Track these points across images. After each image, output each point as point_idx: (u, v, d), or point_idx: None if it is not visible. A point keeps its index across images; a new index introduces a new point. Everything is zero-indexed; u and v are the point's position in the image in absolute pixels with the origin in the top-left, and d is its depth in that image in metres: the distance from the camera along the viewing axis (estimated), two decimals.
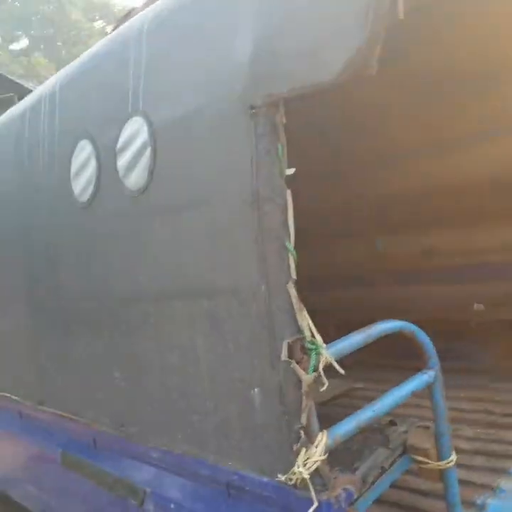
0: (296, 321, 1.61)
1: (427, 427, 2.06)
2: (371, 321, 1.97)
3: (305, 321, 1.62)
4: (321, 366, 1.61)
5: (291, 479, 1.63)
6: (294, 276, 1.62)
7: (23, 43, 35.35)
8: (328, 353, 1.63)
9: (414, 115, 3.83)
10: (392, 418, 2.16)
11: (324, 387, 1.60)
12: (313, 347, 1.62)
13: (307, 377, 1.59)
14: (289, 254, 1.62)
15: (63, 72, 2.73)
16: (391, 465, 1.99)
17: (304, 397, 1.60)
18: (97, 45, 2.53)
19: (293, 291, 1.61)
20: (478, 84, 3.46)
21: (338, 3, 1.47)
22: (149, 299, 2.13)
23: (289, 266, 1.62)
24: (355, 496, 1.66)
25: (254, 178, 1.64)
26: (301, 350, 1.62)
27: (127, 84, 2.16)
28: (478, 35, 3.13)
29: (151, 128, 2.05)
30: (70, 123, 2.57)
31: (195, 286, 1.91)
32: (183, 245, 1.94)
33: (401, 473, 2.05)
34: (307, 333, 1.62)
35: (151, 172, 2.05)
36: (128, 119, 2.15)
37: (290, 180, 1.63)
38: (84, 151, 2.44)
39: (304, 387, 1.59)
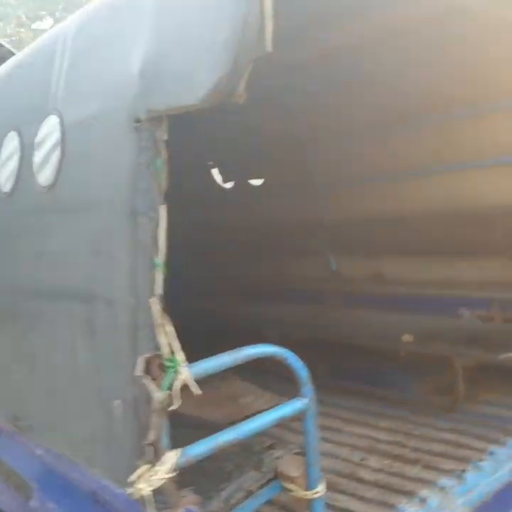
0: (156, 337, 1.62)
1: (303, 455, 2.05)
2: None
3: (166, 338, 1.62)
4: (177, 385, 1.61)
5: (134, 494, 1.63)
6: (159, 291, 1.62)
7: (47, 23, 35.43)
8: (188, 372, 1.63)
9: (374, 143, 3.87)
10: (274, 441, 2.16)
11: (175, 406, 1.60)
12: (171, 365, 1.61)
13: (158, 395, 1.58)
14: (156, 269, 1.62)
15: (3, 66, 2.79)
16: (260, 488, 1.99)
17: (153, 414, 1.59)
18: (35, 42, 2.58)
19: (156, 307, 1.61)
20: (433, 119, 3.49)
21: (212, 31, 1.49)
22: (44, 296, 2.14)
23: (154, 281, 1.62)
24: None
25: (133, 190, 1.65)
26: (158, 367, 1.62)
27: (50, 82, 2.19)
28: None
29: (63, 127, 2.07)
30: (2, 113, 2.60)
31: (78, 289, 1.93)
32: (74, 247, 1.95)
33: (271, 497, 2.05)
34: (165, 350, 1.61)
35: (59, 171, 2.06)
36: (47, 116, 2.19)
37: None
38: (12, 142, 2.47)
39: (155, 404, 1.59)
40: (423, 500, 2.47)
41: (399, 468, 2.83)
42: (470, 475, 2.62)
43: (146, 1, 1.80)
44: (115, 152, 1.75)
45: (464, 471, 2.65)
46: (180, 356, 1.63)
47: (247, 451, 2.11)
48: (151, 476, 1.60)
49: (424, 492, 2.53)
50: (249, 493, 1.97)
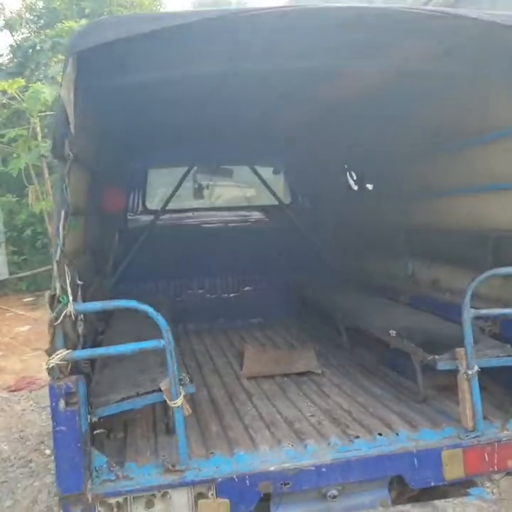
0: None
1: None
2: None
3: (61, 282, 2.83)
4: (65, 312, 2.82)
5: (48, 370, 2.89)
6: (57, 257, 2.82)
7: None
8: (72, 307, 2.83)
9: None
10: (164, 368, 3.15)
11: (58, 321, 2.79)
12: (62, 301, 2.84)
13: (52, 316, 2.82)
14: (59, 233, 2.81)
15: None
16: (147, 394, 3.07)
17: (50, 328, 2.83)
18: None
19: (54, 265, 2.82)
20: None
21: None
22: None
23: (60, 244, 2.81)
24: (73, 390, 2.81)
25: None
26: (57, 301, 2.85)
27: None
28: None
29: None
30: None
31: None
32: None
33: (157, 401, 3.09)
34: (59, 291, 2.83)
35: None
36: None
37: None
38: None
39: (51, 322, 2.82)
40: (305, 446, 3.22)
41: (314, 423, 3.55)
42: (358, 441, 3.24)
43: None
44: None
45: (357, 437, 3.28)
46: (69, 298, 2.83)
47: (146, 373, 3.21)
48: (51, 360, 2.84)
49: (310, 441, 3.26)
50: (140, 395, 3.08)
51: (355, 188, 6.23)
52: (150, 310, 2.90)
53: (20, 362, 9.18)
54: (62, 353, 2.83)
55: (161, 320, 2.91)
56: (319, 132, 5.91)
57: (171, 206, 6.65)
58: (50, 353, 2.84)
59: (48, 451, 5.85)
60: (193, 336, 5.96)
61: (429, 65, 3.45)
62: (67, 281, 2.86)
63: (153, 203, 6.84)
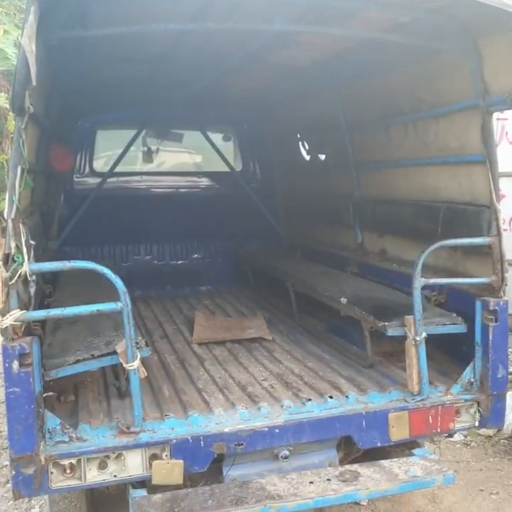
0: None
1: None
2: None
3: (16, 242, 2.74)
4: (20, 271, 2.74)
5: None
6: (12, 215, 2.73)
7: None
8: (27, 267, 2.75)
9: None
10: (120, 332, 3.12)
11: (6, 276, 2.70)
12: (17, 260, 2.74)
13: (6, 275, 2.73)
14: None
15: None
16: (103, 356, 3.04)
17: (4, 287, 2.75)
18: None
19: (9, 223, 2.73)
20: None
21: None
22: None
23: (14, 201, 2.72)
24: (27, 351, 2.74)
25: None
26: (11, 260, 2.76)
27: None
28: None
29: None
30: None
31: None
32: None
33: (112, 363, 3.07)
34: (13, 250, 2.74)
35: None
36: None
37: None
38: None
39: (6, 278, 2.74)
40: (258, 409, 3.28)
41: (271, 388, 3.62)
42: (309, 403, 3.33)
43: None
44: None
45: (309, 399, 3.36)
46: (24, 257, 2.74)
47: (100, 336, 3.18)
48: (5, 320, 2.76)
49: (263, 404, 3.32)
50: (95, 358, 3.05)
51: (307, 157, 6.26)
52: (108, 272, 2.86)
53: None
54: (17, 313, 2.75)
55: (119, 282, 2.87)
56: (273, 99, 5.90)
57: (119, 169, 6.49)
58: (3, 313, 2.76)
59: None
60: (141, 303, 5.89)
61: (387, 35, 3.49)
62: (22, 240, 2.77)
63: (101, 166, 6.66)
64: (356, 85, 4.69)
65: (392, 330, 3.54)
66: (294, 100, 5.74)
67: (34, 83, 2.38)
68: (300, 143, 6.36)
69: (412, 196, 4.39)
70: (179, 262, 6.74)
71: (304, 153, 6.28)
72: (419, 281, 3.38)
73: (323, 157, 5.97)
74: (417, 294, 3.37)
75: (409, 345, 3.46)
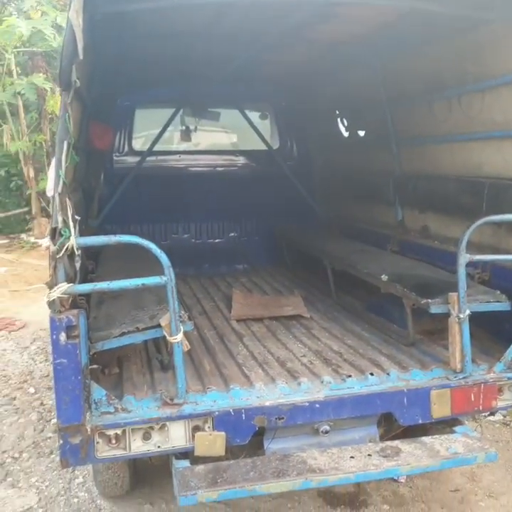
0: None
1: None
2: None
3: (63, 216, 2.79)
4: (67, 245, 2.78)
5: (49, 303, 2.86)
6: (59, 189, 2.77)
7: None
8: (74, 240, 2.79)
9: None
10: (164, 305, 3.15)
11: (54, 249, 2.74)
12: (64, 234, 2.79)
13: (53, 248, 2.78)
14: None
15: None
16: (147, 329, 3.09)
17: (52, 260, 2.80)
18: None
19: (56, 197, 2.77)
20: None
21: None
22: None
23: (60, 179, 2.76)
24: (74, 323, 2.80)
25: None
26: (59, 234, 2.81)
27: None
28: None
29: None
30: None
31: None
32: None
33: (156, 336, 3.12)
34: (61, 224, 2.78)
35: None
36: None
37: None
38: None
39: (53, 253, 2.79)
40: (299, 384, 3.29)
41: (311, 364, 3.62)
42: (350, 380, 3.33)
43: None
44: None
45: (349, 376, 3.36)
46: (71, 231, 2.79)
47: (144, 310, 3.22)
48: (52, 293, 2.81)
49: (303, 379, 3.33)
50: (140, 330, 3.09)
51: (346, 134, 6.18)
52: (153, 246, 2.88)
53: None
54: (64, 286, 2.80)
55: (163, 257, 2.89)
56: (311, 76, 5.83)
57: (157, 148, 6.53)
58: (51, 286, 2.81)
59: (31, 390, 5.88)
60: (179, 281, 5.91)
61: (431, 5, 3.40)
62: (69, 215, 2.81)
63: (139, 145, 6.70)
64: (398, 59, 4.60)
65: (436, 307, 3.50)
66: (333, 76, 5.66)
67: (81, 57, 2.40)
68: (338, 119, 6.28)
69: (456, 172, 4.31)
70: (216, 241, 6.77)
71: (342, 129, 6.20)
72: (463, 258, 3.32)
73: (362, 133, 5.88)
74: (461, 270, 3.32)
75: (452, 323, 3.42)
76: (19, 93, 12.34)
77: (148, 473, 4.05)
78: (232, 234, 6.82)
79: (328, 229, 6.34)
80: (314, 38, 4.50)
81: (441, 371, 3.45)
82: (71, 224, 2.80)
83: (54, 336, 2.78)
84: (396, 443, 3.23)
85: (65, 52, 2.55)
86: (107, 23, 3.24)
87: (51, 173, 3.16)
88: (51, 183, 2.99)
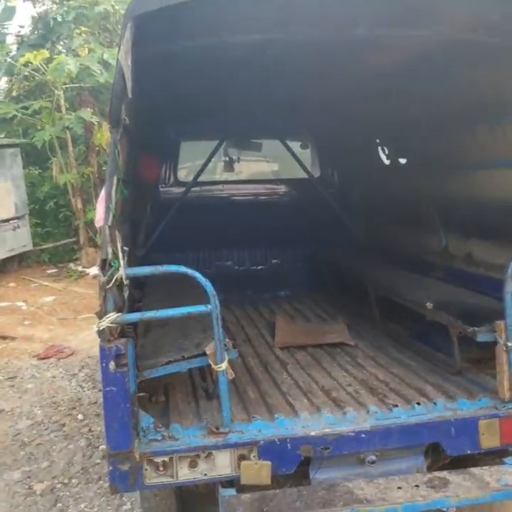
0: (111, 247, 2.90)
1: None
2: None
3: (113, 248, 2.89)
4: (116, 276, 2.89)
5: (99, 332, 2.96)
6: (109, 222, 2.88)
7: None
8: (123, 271, 2.89)
9: None
10: (209, 333, 3.21)
11: (103, 280, 2.84)
12: (114, 265, 2.90)
13: (104, 279, 2.89)
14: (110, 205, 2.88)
15: None
16: (193, 357, 3.14)
17: (102, 290, 2.90)
18: None
19: (106, 230, 2.88)
20: None
21: None
22: None
23: (110, 212, 2.88)
24: (123, 352, 2.88)
25: None
26: (108, 265, 2.91)
27: None
28: None
29: None
30: None
31: None
32: None
33: (202, 364, 3.17)
34: (110, 256, 2.89)
35: None
36: None
37: None
38: None
39: (103, 284, 2.89)
40: (344, 413, 3.28)
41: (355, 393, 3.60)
42: (396, 409, 3.30)
43: None
44: None
45: (395, 405, 3.34)
46: (120, 262, 2.89)
47: (189, 338, 3.28)
48: (102, 322, 2.91)
49: (349, 408, 3.32)
50: (186, 359, 3.16)
51: (387, 161, 6.20)
52: (199, 276, 2.96)
53: (47, 331, 9.36)
54: (113, 315, 2.90)
55: (208, 285, 2.96)
56: (351, 105, 5.88)
57: (201, 178, 6.68)
58: (100, 315, 2.91)
59: (80, 416, 6.00)
60: (223, 307, 6.00)
61: (474, 35, 3.41)
62: (118, 246, 2.91)
63: (184, 175, 6.87)
64: (439, 86, 4.61)
65: (482, 335, 3.46)
66: (373, 104, 5.70)
67: (130, 95, 2.52)
68: (379, 147, 6.30)
69: (500, 198, 4.27)
70: (259, 268, 6.83)
71: (383, 157, 6.22)
72: (510, 285, 3.28)
73: (403, 160, 5.89)
74: (508, 298, 3.28)
75: (499, 351, 3.36)
76: (68, 127, 12.83)
77: (193, 501, 4.07)
78: (275, 261, 6.87)
79: (370, 255, 6.32)
80: (355, 69, 4.57)
81: (489, 400, 3.39)
82: (120, 255, 2.90)
83: (104, 364, 2.86)
84: (444, 474, 3.17)
85: (114, 92, 2.68)
86: (154, 60, 3.37)
87: (100, 205, 3.28)
88: (100, 215, 3.11)
